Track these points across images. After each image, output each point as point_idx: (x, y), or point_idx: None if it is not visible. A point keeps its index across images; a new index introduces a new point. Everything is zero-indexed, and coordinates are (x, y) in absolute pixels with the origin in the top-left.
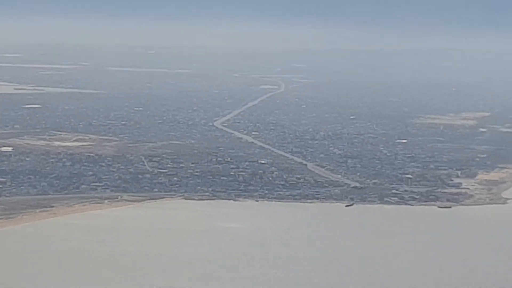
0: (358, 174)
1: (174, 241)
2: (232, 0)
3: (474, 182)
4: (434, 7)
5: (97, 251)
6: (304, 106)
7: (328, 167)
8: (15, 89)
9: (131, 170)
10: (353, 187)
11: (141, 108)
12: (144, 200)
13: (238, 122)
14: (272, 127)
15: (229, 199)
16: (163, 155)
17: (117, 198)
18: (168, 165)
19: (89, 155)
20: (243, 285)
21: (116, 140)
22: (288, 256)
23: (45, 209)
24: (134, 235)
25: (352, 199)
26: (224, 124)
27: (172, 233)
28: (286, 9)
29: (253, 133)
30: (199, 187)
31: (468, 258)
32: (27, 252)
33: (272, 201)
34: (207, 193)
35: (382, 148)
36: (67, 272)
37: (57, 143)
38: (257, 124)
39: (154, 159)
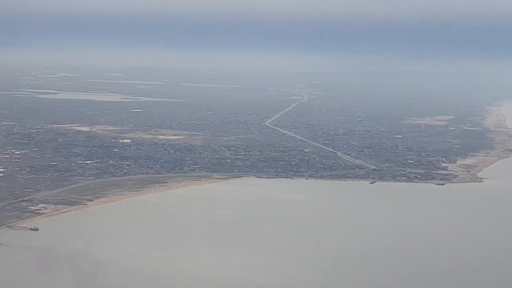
0: (374, 159)
1: (251, 206)
2: (262, 37)
3: (456, 166)
4: (409, 42)
5: (198, 213)
6: (324, 111)
7: (352, 154)
8: (121, 98)
9: (216, 156)
10: (372, 169)
11: (212, 112)
12: (228, 178)
13: (281, 122)
14: (305, 126)
15: (287, 178)
16: (236, 146)
17: (210, 176)
18: (241, 153)
19: (185, 145)
20: (298, 234)
21: (201, 135)
22: (328, 217)
23: (162, 184)
24: (223, 202)
25: (373, 178)
26: (272, 124)
27: (249, 201)
28: (301, 42)
29: (293, 130)
30: (265, 169)
31: (462, 217)
32: (152, 214)
33: (317, 179)
34: (271, 173)
35: (385, 141)
36: (179, 227)
37: (160, 136)
38: (295, 124)
39: (231, 149)
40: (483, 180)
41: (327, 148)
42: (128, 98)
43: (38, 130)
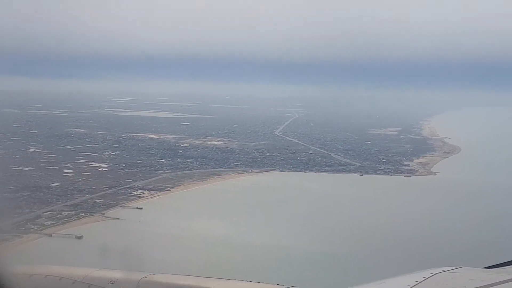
0: (357, 159)
1: (280, 191)
2: (259, 72)
3: (414, 164)
4: (363, 77)
5: (247, 195)
6: (312, 124)
7: (341, 155)
8: (172, 115)
9: (250, 156)
10: (358, 166)
11: (237, 125)
12: (261, 172)
13: (286, 132)
14: (303, 135)
15: (302, 171)
16: (261, 149)
17: (249, 170)
18: (266, 154)
19: (227, 148)
20: (316, 210)
21: (235, 141)
22: (336, 199)
23: (218, 176)
24: (260, 189)
25: (361, 172)
26: (280, 133)
27: (279, 188)
28: (286, 76)
29: (295, 137)
30: (285, 165)
31: (429, 198)
32: (217, 196)
33: (322, 172)
34: (290, 168)
35: (360, 145)
36: (237, 204)
37: (208, 142)
38: (295, 133)
39: (258, 151)
40: (436, 173)
41: (323, 151)
42: (177, 115)
43: (123, 137)
